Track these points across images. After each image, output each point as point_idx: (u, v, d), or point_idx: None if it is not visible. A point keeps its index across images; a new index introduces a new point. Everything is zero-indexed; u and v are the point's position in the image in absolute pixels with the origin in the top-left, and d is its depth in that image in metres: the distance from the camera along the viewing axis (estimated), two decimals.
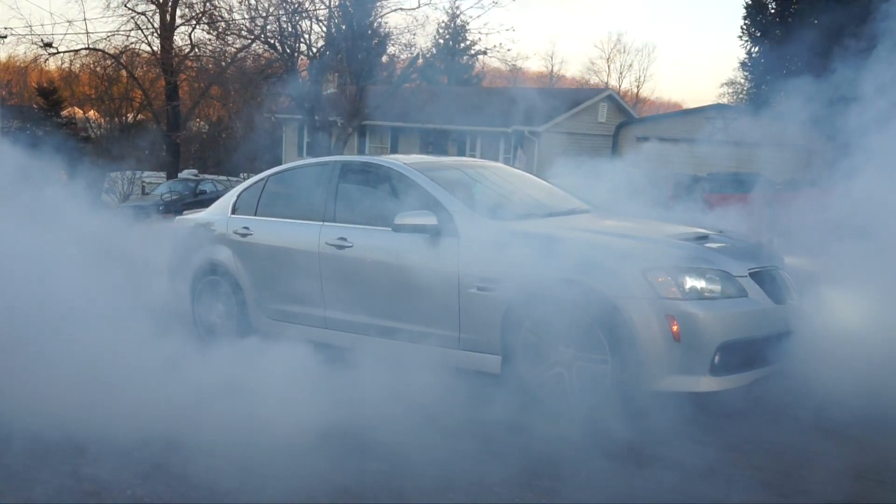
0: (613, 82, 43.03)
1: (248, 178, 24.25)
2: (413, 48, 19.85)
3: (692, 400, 3.79)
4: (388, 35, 19.65)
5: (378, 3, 18.97)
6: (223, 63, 21.08)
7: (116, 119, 29.60)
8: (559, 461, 3.32)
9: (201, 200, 16.21)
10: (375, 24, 20.00)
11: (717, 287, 3.87)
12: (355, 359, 4.49)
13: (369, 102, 18.57)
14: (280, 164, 22.52)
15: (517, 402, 3.94)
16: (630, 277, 3.79)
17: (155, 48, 24.44)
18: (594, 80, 43.25)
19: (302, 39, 18.12)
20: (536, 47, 58.68)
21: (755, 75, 11.35)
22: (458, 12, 24.92)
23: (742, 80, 20.77)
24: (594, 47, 68.82)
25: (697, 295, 3.80)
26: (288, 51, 17.97)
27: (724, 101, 22.19)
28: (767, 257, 4.37)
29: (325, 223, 5.03)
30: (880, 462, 3.38)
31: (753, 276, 4.02)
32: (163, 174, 26.43)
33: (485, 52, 20.15)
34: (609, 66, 45.05)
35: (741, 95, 20.79)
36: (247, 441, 3.49)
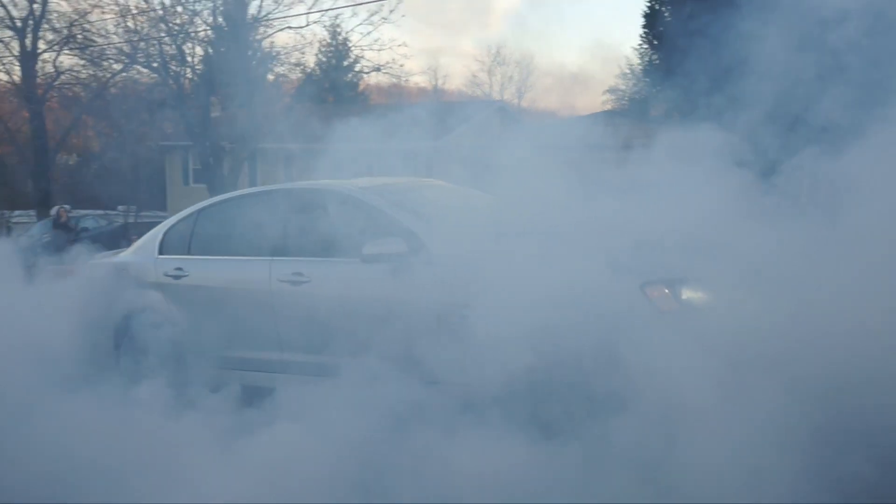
0: (496, 94, 43.76)
1: (129, 211, 22.44)
2: (303, 67, 19.32)
3: None
4: (275, 55, 19.01)
5: (264, 22, 18.32)
6: (94, 89, 19.69)
7: None
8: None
9: (83, 239, 14.59)
10: (260, 44, 19.33)
11: (703, 295, 3.78)
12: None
13: (261, 125, 17.86)
14: (164, 194, 21.13)
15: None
16: (628, 293, 3.63)
17: (15, 77, 22.53)
18: (477, 92, 43.86)
19: (187, 62, 17.20)
20: (420, 63, 58.83)
21: (654, 81, 11.78)
22: (339, 30, 24.61)
23: (624, 88, 21.57)
24: (475, 61, 69.88)
25: (693, 305, 3.69)
26: (172, 74, 16.99)
27: (608, 107, 22.97)
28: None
29: (276, 258, 4.61)
30: None
31: None
32: (32, 212, 24.35)
33: (378, 69, 19.91)
34: (491, 79, 45.82)
35: (624, 102, 21.57)
36: None
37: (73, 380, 5.06)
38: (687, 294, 3.70)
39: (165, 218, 21.55)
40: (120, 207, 25.85)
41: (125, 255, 5.48)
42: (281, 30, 18.44)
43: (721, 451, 3.16)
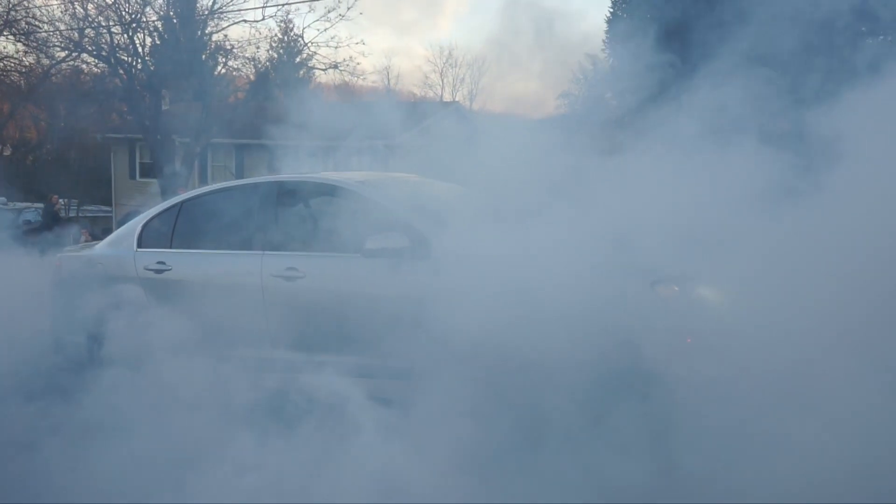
0: (447, 96, 43.75)
1: (69, 204, 21.59)
2: (257, 62, 18.95)
3: None
4: (229, 48, 18.58)
5: (217, 15, 17.90)
6: (36, 76, 18.87)
7: None
8: None
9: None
10: (212, 37, 18.87)
11: (707, 293, 3.83)
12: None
13: (214, 118, 17.42)
14: (110, 188, 20.35)
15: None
16: (639, 292, 3.64)
17: None
18: (430, 94, 43.76)
19: (137, 53, 16.63)
20: (372, 62, 58.30)
21: (616, 85, 11.94)
22: (291, 25, 24.21)
23: (577, 93, 21.82)
24: (427, 62, 69.57)
25: (701, 304, 3.73)
26: (124, 65, 16.40)
27: (562, 112, 23.21)
28: None
29: (267, 252, 4.47)
30: None
31: None
32: None
33: (336, 66, 19.66)
34: (442, 80, 45.78)
35: (577, 107, 21.79)
36: None
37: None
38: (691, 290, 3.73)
39: (110, 212, 20.73)
40: (61, 201, 24.85)
41: (101, 247, 5.25)
42: (236, 23, 18.03)
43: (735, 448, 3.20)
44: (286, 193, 4.63)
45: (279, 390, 4.37)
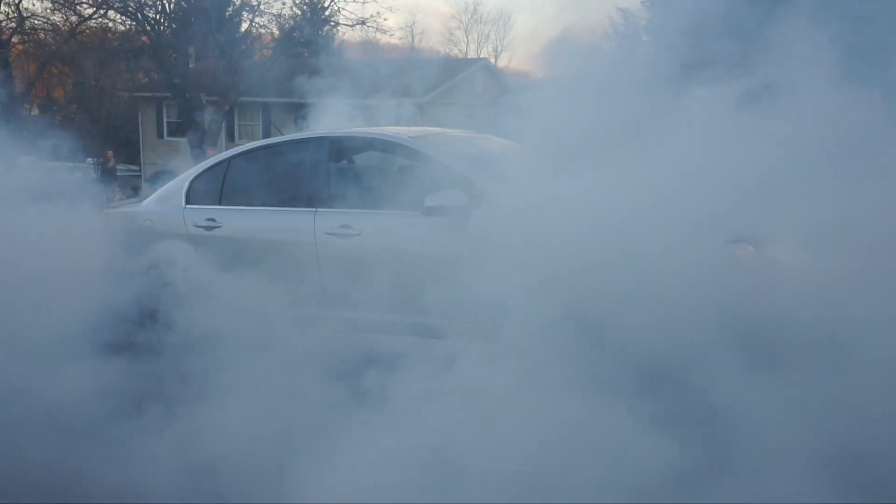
0: (472, 53, 43.08)
1: (100, 162, 21.65)
2: (282, 19, 18.69)
3: None
4: (255, 4, 18.33)
5: None
6: (64, 36, 18.77)
7: None
8: None
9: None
10: None
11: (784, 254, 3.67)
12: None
13: (241, 77, 17.26)
14: (138, 147, 20.50)
15: None
16: (713, 251, 3.50)
17: None
18: (454, 51, 43.08)
19: (164, 10, 16.46)
20: (397, 19, 57.45)
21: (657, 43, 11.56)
22: None
23: (607, 49, 21.31)
24: (452, 18, 68.32)
25: (775, 266, 3.58)
26: (152, 21, 16.24)
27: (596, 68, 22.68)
28: None
29: (320, 209, 4.37)
30: None
31: None
32: None
33: (363, 23, 19.33)
34: (467, 37, 45.04)
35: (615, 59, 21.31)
36: None
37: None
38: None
39: (138, 171, 20.73)
40: (89, 160, 24.97)
41: (147, 203, 5.18)
42: None
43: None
44: (338, 149, 4.52)
45: (333, 349, 4.33)
